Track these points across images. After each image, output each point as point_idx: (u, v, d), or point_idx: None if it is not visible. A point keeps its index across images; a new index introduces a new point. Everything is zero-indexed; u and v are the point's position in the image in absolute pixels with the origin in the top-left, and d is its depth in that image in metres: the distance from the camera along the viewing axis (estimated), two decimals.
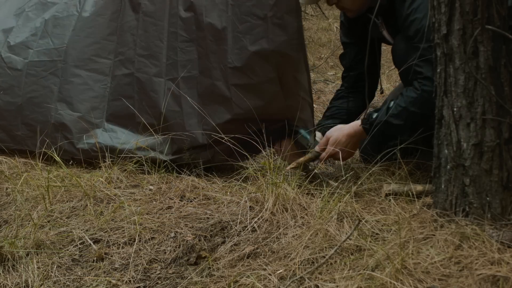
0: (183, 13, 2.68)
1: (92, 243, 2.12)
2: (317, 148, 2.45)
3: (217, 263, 1.94)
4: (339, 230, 1.99)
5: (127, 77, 2.83)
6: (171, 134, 2.65)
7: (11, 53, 3.02)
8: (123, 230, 2.17)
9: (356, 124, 2.40)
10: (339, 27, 2.78)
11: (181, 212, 2.30)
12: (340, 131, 2.41)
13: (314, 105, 2.66)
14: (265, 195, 2.21)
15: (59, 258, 2.04)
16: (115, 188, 2.51)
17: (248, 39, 2.49)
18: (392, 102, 2.32)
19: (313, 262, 1.85)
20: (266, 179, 2.28)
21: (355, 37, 2.65)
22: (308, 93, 2.51)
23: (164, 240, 2.11)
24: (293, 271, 1.82)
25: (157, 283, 1.90)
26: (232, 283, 1.80)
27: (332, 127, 2.50)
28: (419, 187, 2.19)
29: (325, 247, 1.91)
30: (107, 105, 2.84)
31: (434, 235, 1.84)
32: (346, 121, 2.57)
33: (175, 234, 2.14)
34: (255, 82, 2.52)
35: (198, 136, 2.63)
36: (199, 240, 2.09)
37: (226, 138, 2.49)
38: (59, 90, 2.90)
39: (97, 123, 2.83)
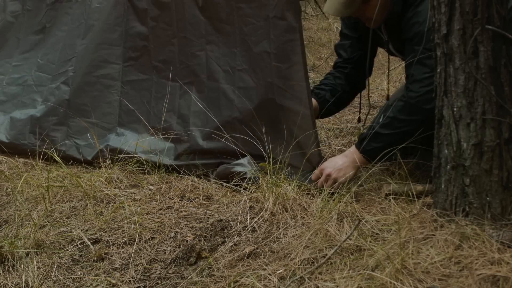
0: (190, 17, 2.69)
1: (90, 244, 2.12)
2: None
3: (217, 263, 1.94)
4: (339, 230, 1.99)
5: (144, 82, 2.85)
6: (176, 135, 2.68)
7: (40, 72, 3.13)
8: (123, 230, 2.17)
9: (349, 149, 2.38)
10: (341, 21, 2.75)
11: (181, 212, 2.30)
12: (333, 158, 2.38)
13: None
14: (265, 195, 2.21)
15: (59, 258, 2.04)
16: (115, 188, 2.51)
17: (252, 41, 2.51)
18: (382, 116, 2.35)
19: (313, 262, 1.86)
20: (266, 179, 2.28)
21: (360, 32, 2.64)
22: (305, 102, 2.44)
23: (164, 240, 2.11)
24: (293, 271, 1.82)
25: (157, 283, 1.90)
26: (232, 283, 1.80)
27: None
28: (419, 187, 2.19)
29: (325, 247, 1.91)
30: (119, 110, 2.86)
31: (434, 235, 1.84)
32: (330, 92, 2.69)
33: (175, 234, 2.14)
34: (256, 85, 2.53)
35: (199, 140, 2.64)
36: (199, 240, 2.09)
37: (228, 136, 2.51)
38: (71, 98, 2.94)
39: (110, 128, 2.86)
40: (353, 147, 2.35)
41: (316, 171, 2.36)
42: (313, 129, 2.42)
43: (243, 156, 2.52)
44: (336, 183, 2.28)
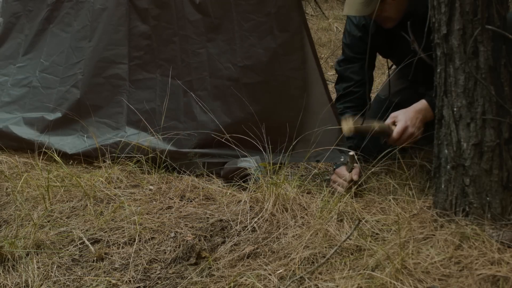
0: (190, 15, 2.69)
1: (90, 245, 2.12)
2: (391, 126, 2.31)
3: (217, 263, 1.94)
4: (339, 230, 1.99)
5: (148, 81, 2.86)
6: (183, 134, 2.69)
7: (45, 73, 3.14)
8: (123, 230, 2.17)
9: (420, 101, 2.33)
10: (345, 48, 2.67)
11: (181, 212, 2.30)
12: (407, 109, 2.32)
13: None
14: (265, 195, 2.21)
15: (59, 258, 2.04)
16: (115, 188, 2.51)
17: (255, 37, 2.51)
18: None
19: (313, 262, 1.86)
20: (266, 179, 2.28)
21: (373, 52, 2.59)
22: (319, 83, 2.47)
23: (164, 240, 2.11)
24: (293, 271, 1.82)
25: (157, 283, 1.90)
26: (232, 283, 1.80)
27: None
28: (376, 125, 2.23)
29: (325, 247, 1.91)
30: (127, 109, 2.87)
31: (434, 235, 1.84)
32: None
33: (175, 234, 2.14)
34: (264, 80, 2.53)
35: (208, 135, 2.65)
36: (199, 240, 2.09)
37: (230, 138, 2.51)
38: (81, 100, 2.97)
39: (119, 127, 2.88)
40: (425, 104, 2.30)
41: (399, 129, 2.27)
42: (333, 111, 2.45)
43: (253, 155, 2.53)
44: (412, 139, 2.28)
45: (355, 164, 2.33)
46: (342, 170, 2.38)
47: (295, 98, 2.51)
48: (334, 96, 2.79)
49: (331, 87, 4.51)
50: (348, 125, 2.27)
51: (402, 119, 2.28)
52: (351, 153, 2.32)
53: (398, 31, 2.47)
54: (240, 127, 2.54)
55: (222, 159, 2.62)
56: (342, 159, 2.42)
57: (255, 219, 2.13)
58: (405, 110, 2.32)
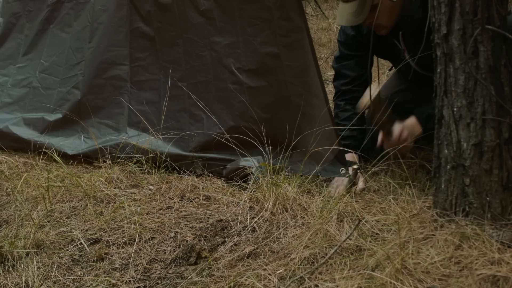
0: (194, 18, 2.69)
1: (86, 246, 2.12)
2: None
3: (217, 263, 1.94)
4: (339, 230, 1.99)
5: (152, 82, 2.86)
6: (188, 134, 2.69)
7: (45, 74, 3.15)
8: (123, 230, 2.17)
9: (410, 117, 2.40)
10: (341, 46, 2.69)
11: (181, 212, 2.30)
12: (402, 123, 2.38)
13: None
14: (265, 195, 2.21)
15: (59, 258, 2.04)
16: (115, 188, 2.51)
17: (258, 42, 2.51)
18: None
19: (313, 262, 1.86)
20: (266, 179, 2.28)
21: (365, 50, 2.57)
22: (320, 97, 2.47)
23: (164, 240, 2.11)
24: (293, 271, 1.82)
25: (157, 283, 1.90)
26: (232, 283, 1.80)
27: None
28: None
29: (325, 247, 1.91)
30: (128, 111, 2.86)
31: (434, 235, 1.84)
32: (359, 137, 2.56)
33: (175, 234, 2.14)
34: (267, 84, 2.53)
35: (210, 138, 2.65)
36: (199, 240, 2.09)
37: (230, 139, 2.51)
38: (82, 100, 2.97)
39: (120, 128, 2.87)
40: (414, 120, 2.37)
41: (396, 133, 2.34)
42: (332, 122, 2.46)
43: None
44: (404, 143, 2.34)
45: (360, 181, 2.34)
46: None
47: (296, 101, 2.51)
48: (330, 96, 2.80)
49: (331, 87, 4.52)
50: (366, 98, 2.31)
51: (399, 124, 2.35)
52: (355, 166, 2.33)
53: (390, 38, 2.48)
54: (242, 130, 2.54)
55: (224, 162, 2.63)
56: (343, 171, 2.41)
57: (255, 219, 2.13)
58: (401, 124, 2.38)
